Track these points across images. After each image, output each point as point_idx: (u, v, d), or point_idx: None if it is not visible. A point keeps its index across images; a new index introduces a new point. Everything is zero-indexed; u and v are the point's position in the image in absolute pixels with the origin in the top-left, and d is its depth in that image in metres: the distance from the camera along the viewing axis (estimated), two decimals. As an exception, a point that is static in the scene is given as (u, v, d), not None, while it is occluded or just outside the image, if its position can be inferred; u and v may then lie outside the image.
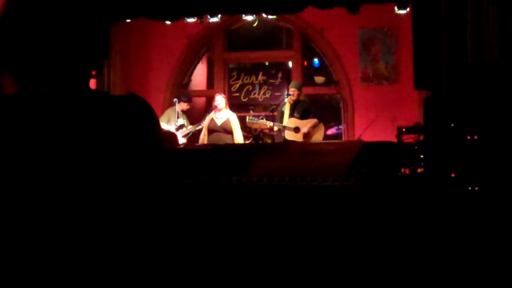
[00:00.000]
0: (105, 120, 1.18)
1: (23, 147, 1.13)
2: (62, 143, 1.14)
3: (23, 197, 1.12)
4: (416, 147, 4.55)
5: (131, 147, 1.18)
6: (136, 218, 1.19)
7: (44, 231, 1.12)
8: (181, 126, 7.22)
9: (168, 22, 7.14)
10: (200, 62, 9.15)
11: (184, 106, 7.37)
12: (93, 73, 1.25)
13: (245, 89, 8.86)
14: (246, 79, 8.89)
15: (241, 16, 7.58)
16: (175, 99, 7.41)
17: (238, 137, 6.87)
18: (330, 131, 7.73)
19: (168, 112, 7.43)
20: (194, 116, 7.89)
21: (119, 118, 1.19)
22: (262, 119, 7.07)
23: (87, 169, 1.14)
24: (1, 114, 1.15)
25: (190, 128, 7.23)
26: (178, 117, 7.22)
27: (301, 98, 7.03)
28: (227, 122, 6.90)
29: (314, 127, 6.93)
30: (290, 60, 8.91)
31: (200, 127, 7.06)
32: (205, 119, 7.05)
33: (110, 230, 1.15)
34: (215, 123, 6.92)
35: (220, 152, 4.98)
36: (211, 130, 6.92)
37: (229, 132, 6.88)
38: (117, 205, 1.17)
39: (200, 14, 6.97)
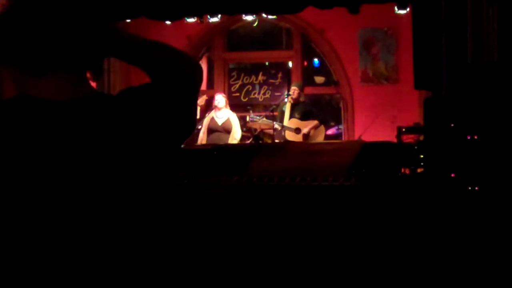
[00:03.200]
0: (106, 124, 1.18)
1: (25, 152, 1.13)
2: (62, 149, 1.14)
3: (28, 204, 1.12)
4: (416, 147, 4.55)
5: (136, 144, 1.19)
6: (139, 218, 1.19)
7: (48, 235, 1.12)
8: None
9: (168, 22, 7.14)
10: (200, 62, 9.16)
11: None
12: (90, 76, 1.25)
13: (245, 89, 8.86)
14: (246, 79, 8.89)
15: (241, 16, 7.58)
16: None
17: (236, 135, 6.85)
18: (330, 131, 7.73)
19: None
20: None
21: (120, 119, 1.19)
22: (262, 118, 7.06)
23: (88, 172, 1.14)
24: (3, 119, 1.15)
25: None
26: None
27: (301, 99, 7.03)
28: (227, 121, 6.87)
29: (315, 128, 6.93)
30: (290, 60, 8.91)
31: (200, 126, 7.03)
32: (204, 118, 7.03)
33: (114, 232, 1.16)
34: (215, 122, 6.89)
35: (220, 152, 4.97)
36: (211, 130, 6.89)
37: (230, 131, 6.86)
38: (121, 208, 1.17)
39: (200, 14, 6.96)
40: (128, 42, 1.27)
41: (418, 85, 5.23)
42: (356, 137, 7.74)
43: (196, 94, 1.32)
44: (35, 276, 1.11)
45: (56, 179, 1.12)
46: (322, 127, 7.03)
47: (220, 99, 6.92)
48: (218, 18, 7.13)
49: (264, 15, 7.20)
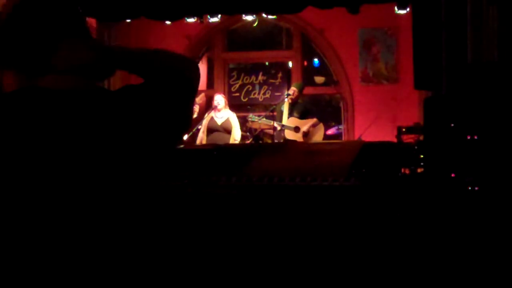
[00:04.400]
0: (104, 116, 1.18)
1: (24, 143, 1.13)
2: (61, 141, 1.14)
3: (25, 199, 1.12)
4: (416, 147, 4.55)
5: (131, 138, 1.19)
6: (137, 217, 1.19)
7: (45, 230, 1.12)
8: None
9: (168, 22, 7.14)
10: (200, 62, 9.15)
11: None
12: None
13: (245, 89, 8.86)
14: (246, 79, 8.89)
15: (241, 16, 7.58)
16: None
17: (236, 136, 6.85)
18: (330, 131, 7.73)
19: None
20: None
21: (117, 112, 1.20)
22: (262, 118, 7.06)
23: (86, 167, 1.14)
24: (4, 111, 1.16)
25: None
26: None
27: (300, 100, 7.01)
28: (227, 121, 6.86)
29: (313, 126, 6.93)
30: (290, 60, 8.91)
31: (199, 126, 7.02)
32: (204, 119, 7.01)
33: (112, 227, 1.16)
34: (215, 122, 6.87)
35: (220, 152, 4.97)
36: (211, 130, 6.88)
37: (230, 131, 6.85)
38: (119, 205, 1.17)
39: (200, 14, 6.96)
40: (124, 54, 1.29)
41: (418, 85, 5.24)
42: (356, 137, 7.74)
43: (193, 94, 1.33)
44: (32, 273, 1.11)
45: (50, 170, 1.13)
46: (321, 125, 7.02)
47: (219, 100, 6.90)
48: (218, 18, 7.13)
49: (264, 15, 7.20)
